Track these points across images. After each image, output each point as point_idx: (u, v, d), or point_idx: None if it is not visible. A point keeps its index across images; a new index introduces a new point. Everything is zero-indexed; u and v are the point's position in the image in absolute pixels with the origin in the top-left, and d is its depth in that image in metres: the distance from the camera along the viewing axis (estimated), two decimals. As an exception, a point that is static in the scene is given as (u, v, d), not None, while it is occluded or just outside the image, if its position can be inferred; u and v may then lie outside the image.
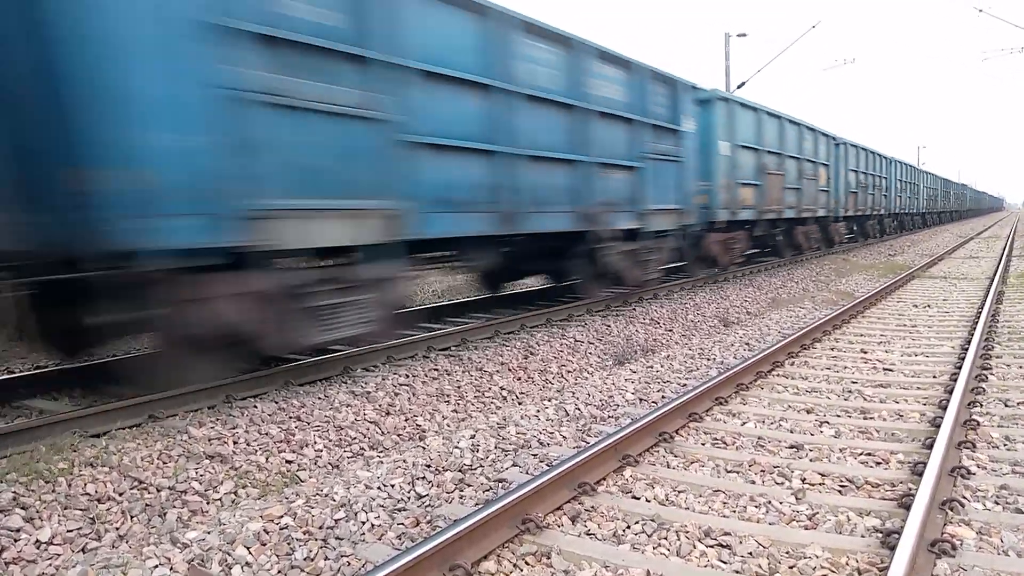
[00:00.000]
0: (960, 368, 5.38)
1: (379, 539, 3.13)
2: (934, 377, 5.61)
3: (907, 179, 32.82)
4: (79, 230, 4.09)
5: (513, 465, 3.94)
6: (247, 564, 2.92)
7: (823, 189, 18.43)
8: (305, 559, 2.97)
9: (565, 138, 7.97)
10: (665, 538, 3.01)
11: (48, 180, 4.15)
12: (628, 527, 3.12)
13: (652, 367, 6.48)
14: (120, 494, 3.65)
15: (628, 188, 9.20)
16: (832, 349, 6.87)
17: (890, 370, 5.93)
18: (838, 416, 4.68)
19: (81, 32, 3.93)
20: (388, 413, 5.16)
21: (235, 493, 3.85)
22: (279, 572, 2.90)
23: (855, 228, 24.52)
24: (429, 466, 3.97)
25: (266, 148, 4.69)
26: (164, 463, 4.01)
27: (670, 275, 12.71)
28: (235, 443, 4.38)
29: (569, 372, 6.78)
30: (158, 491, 3.73)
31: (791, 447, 4.08)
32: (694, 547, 2.92)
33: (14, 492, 3.47)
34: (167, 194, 4.19)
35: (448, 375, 6.11)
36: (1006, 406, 4.77)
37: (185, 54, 4.27)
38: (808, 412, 4.78)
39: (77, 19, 3.92)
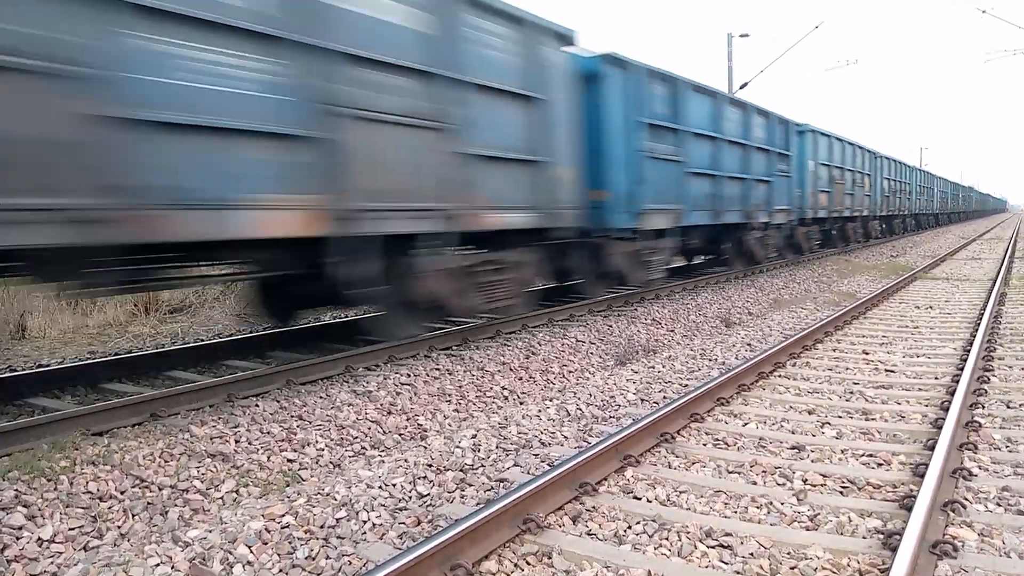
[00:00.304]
0: (962, 370, 5.37)
1: (380, 538, 3.13)
2: (936, 378, 5.61)
3: (924, 184, 37.96)
4: (594, 220, 8.73)
5: (514, 465, 3.94)
6: (248, 563, 2.93)
7: (867, 194, 23.09)
8: (306, 558, 2.97)
9: (740, 165, 12.80)
10: (666, 538, 3.01)
11: (584, 195, 8.38)
12: (629, 527, 3.12)
13: (654, 367, 6.48)
14: (122, 492, 3.66)
15: (765, 195, 13.93)
16: (834, 350, 6.87)
17: (892, 371, 5.92)
18: (840, 417, 4.68)
19: (601, 127, 8.88)
20: (390, 412, 5.16)
21: (237, 492, 3.86)
22: (280, 571, 2.90)
23: (885, 226, 28.16)
24: (430, 465, 3.98)
25: (648, 179, 9.55)
26: (166, 461, 4.01)
27: (673, 275, 12.73)
28: (237, 442, 4.38)
29: (571, 372, 6.78)
30: (160, 489, 3.73)
31: (793, 448, 4.08)
32: (695, 547, 2.92)
33: (16, 490, 3.48)
34: (619, 203, 9.07)
35: (450, 375, 6.11)
36: (1008, 408, 4.76)
37: (631, 136, 9.25)
38: (810, 413, 4.77)
39: (601, 121, 8.90)
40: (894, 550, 2.65)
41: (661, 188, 9.97)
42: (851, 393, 5.24)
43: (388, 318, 6.38)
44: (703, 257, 14.82)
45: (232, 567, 2.90)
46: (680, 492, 3.49)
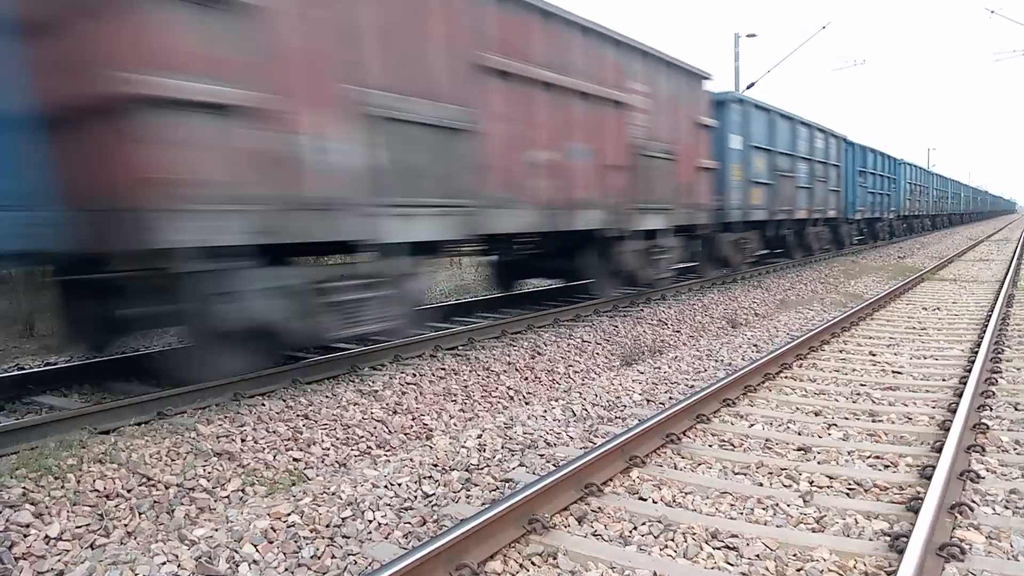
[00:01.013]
0: (970, 371, 5.34)
1: (386, 538, 3.13)
2: (943, 380, 5.59)
3: (941, 188, 41.83)
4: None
5: (520, 465, 3.94)
6: (254, 562, 2.94)
7: (893, 197, 26.55)
8: (312, 557, 2.98)
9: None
10: (672, 539, 3.00)
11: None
12: (635, 528, 3.12)
13: (659, 368, 6.47)
14: (128, 491, 3.67)
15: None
16: (841, 351, 6.85)
17: (899, 373, 5.90)
18: (846, 419, 4.66)
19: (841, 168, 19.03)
20: (395, 412, 5.17)
21: (243, 491, 3.87)
22: (286, 570, 2.91)
23: (910, 224, 32.06)
24: (436, 465, 3.98)
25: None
26: (172, 460, 4.03)
27: (682, 274, 12.72)
28: (243, 441, 4.39)
29: (576, 372, 6.78)
30: (166, 488, 3.74)
31: (799, 449, 4.07)
32: (701, 549, 2.92)
33: (24, 488, 3.50)
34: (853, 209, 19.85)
35: (455, 374, 6.11)
36: (1016, 410, 4.74)
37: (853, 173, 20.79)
38: (816, 414, 4.76)
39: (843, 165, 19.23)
40: (901, 552, 2.64)
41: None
42: (858, 395, 5.22)
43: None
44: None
45: (238, 566, 2.91)
46: (686, 493, 3.49)
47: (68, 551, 3.16)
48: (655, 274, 10.07)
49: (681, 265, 12.00)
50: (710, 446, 4.19)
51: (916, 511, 2.97)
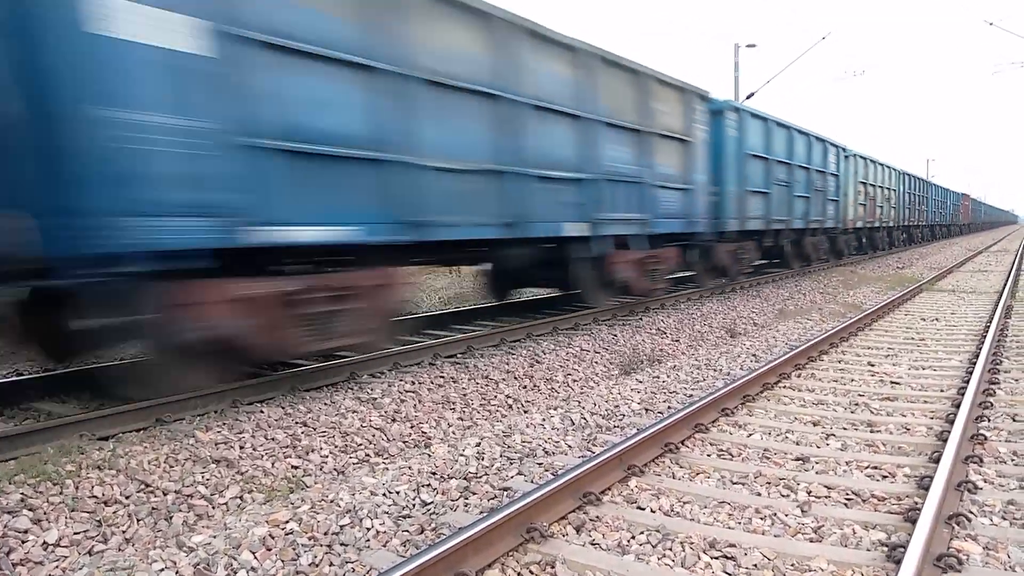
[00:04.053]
0: (968, 382, 5.35)
1: (384, 546, 3.13)
2: (941, 391, 5.59)
3: (943, 199, 43.75)
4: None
5: (518, 474, 3.94)
6: (252, 569, 2.93)
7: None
8: (310, 565, 2.98)
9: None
10: (670, 549, 3.00)
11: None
12: (633, 537, 3.12)
13: (658, 377, 6.47)
14: (127, 497, 3.67)
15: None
16: (839, 362, 6.85)
17: (897, 383, 5.91)
18: (844, 429, 4.67)
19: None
20: (394, 420, 5.17)
21: (241, 498, 3.87)
22: (284, 577, 2.90)
23: (919, 232, 35.22)
24: (434, 473, 3.98)
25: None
26: (171, 467, 4.03)
27: (677, 285, 12.78)
28: (241, 448, 4.40)
29: (575, 381, 6.78)
30: (164, 495, 3.75)
31: (797, 459, 4.07)
32: (699, 558, 2.92)
33: (22, 494, 3.50)
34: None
35: (454, 382, 6.12)
36: (1014, 421, 4.75)
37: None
38: (814, 424, 4.76)
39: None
40: (898, 563, 2.64)
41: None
42: (856, 405, 5.23)
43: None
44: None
45: (236, 573, 2.91)
46: (684, 502, 3.49)
47: (66, 557, 3.16)
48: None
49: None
50: (708, 455, 4.20)
51: (914, 521, 2.97)
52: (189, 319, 4.50)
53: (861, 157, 21.88)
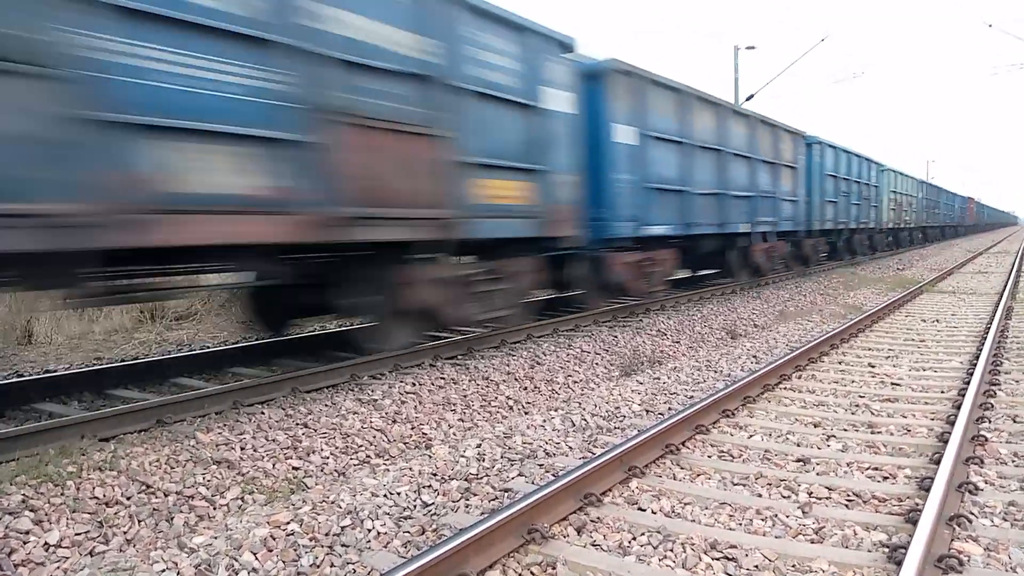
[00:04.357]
0: (968, 383, 5.35)
1: (385, 547, 3.13)
2: (942, 392, 5.59)
3: (952, 203, 49.37)
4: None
5: (519, 475, 3.94)
6: (253, 570, 2.94)
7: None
8: (311, 566, 2.98)
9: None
10: (671, 550, 3.00)
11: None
12: (634, 539, 3.12)
13: (659, 378, 6.48)
14: (128, 498, 3.67)
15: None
16: (840, 363, 6.86)
17: (898, 385, 5.91)
18: (845, 430, 4.67)
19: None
20: (395, 421, 5.17)
21: (242, 499, 3.87)
22: (285, 578, 2.91)
23: (933, 232, 37.82)
24: (435, 474, 3.98)
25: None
26: (172, 468, 4.03)
27: (677, 286, 12.79)
28: (242, 449, 4.40)
29: (575, 383, 6.79)
30: (165, 496, 3.75)
31: (798, 460, 4.07)
32: (699, 559, 2.92)
33: (23, 495, 3.50)
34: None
35: (455, 384, 6.12)
36: (1015, 422, 4.75)
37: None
38: (815, 426, 4.76)
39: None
40: (899, 564, 2.65)
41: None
42: (857, 406, 5.23)
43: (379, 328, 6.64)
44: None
45: (237, 574, 2.91)
46: (685, 504, 3.49)
47: (67, 558, 3.16)
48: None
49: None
50: (709, 457, 4.20)
51: (915, 523, 2.97)
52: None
53: (892, 170, 26.49)
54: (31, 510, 3.40)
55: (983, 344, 7.05)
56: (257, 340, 7.66)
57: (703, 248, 12.58)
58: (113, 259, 4.35)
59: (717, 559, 2.92)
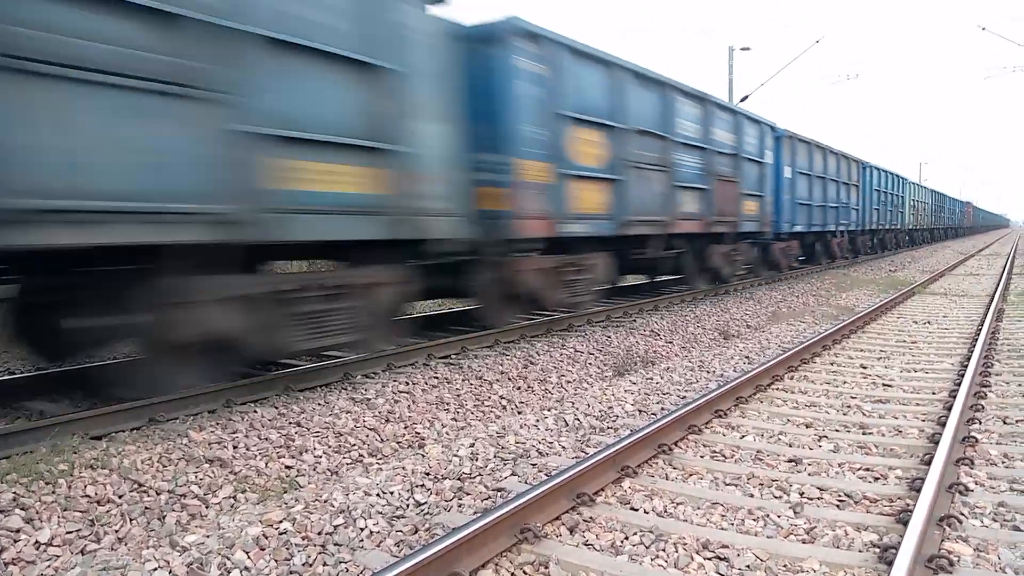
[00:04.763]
0: (959, 385, 5.38)
1: (377, 546, 3.13)
2: (933, 393, 5.62)
3: (954, 207, 56.52)
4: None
5: (512, 474, 3.95)
6: (246, 569, 2.93)
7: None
8: (304, 565, 2.98)
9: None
10: (663, 550, 3.01)
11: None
12: (626, 538, 3.13)
13: (652, 379, 6.49)
14: (120, 496, 3.66)
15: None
16: (832, 364, 6.88)
17: (889, 386, 5.94)
18: (837, 431, 4.69)
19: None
20: (388, 420, 5.17)
21: (234, 497, 3.86)
22: (277, 577, 2.90)
23: (935, 233, 42.91)
24: (428, 474, 3.98)
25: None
26: (164, 466, 4.02)
27: (675, 285, 12.82)
28: (235, 448, 4.39)
29: (569, 382, 6.79)
30: (157, 494, 3.74)
31: (790, 461, 4.09)
32: (692, 559, 2.93)
33: (14, 493, 3.49)
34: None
35: (448, 383, 6.12)
36: (1005, 423, 4.78)
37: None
38: (807, 426, 4.78)
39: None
40: (890, 564, 2.66)
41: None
42: (848, 407, 5.25)
43: None
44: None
45: (229, 572, 2.90)
46: (677, 504, 3.50)
47: (58, 557, 3.15)
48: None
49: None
50: (702, 457, 4.21)
51: (905, 523, 2.99)
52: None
53: (912, 183, 34.45)
54: (22, 508, 3.39)
55: (974, 346, 7.09)
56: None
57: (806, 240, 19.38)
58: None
59: (709, 559, 2.93)
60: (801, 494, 3.59)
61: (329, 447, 4.62)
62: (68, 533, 3.31)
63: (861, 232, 24.06)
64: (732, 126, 12.92)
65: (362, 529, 3.27)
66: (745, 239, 14.25)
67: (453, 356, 7.12)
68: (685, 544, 3.03)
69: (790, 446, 4.38)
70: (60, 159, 3.75)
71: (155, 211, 4.17)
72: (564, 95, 8.03)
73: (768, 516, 3.32)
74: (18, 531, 3.24)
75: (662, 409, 5.38)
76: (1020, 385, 5.81)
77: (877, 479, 3.81)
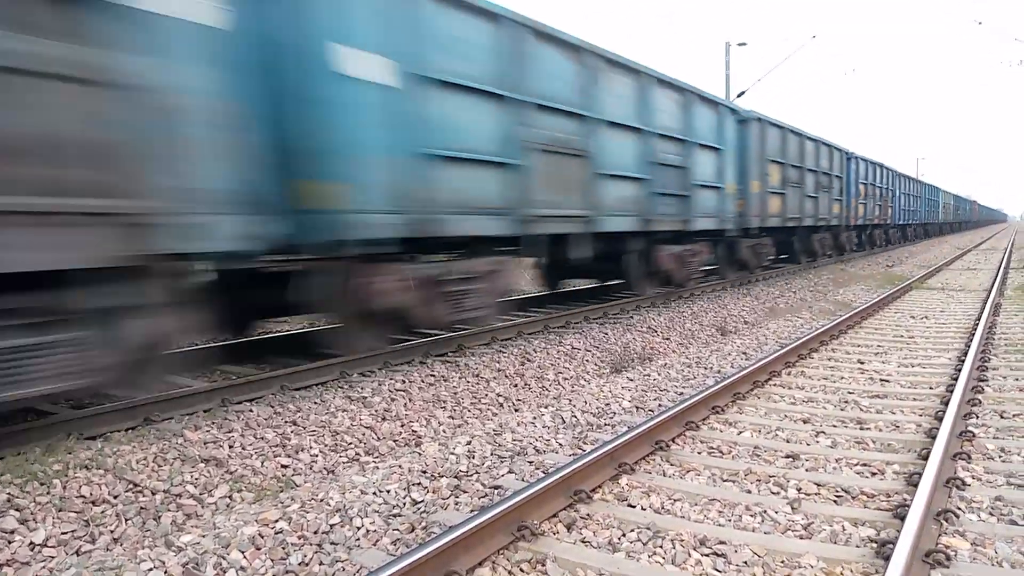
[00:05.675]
0: (956, 379, 5.38)
1: (374, 545, 3.12)
2: (930, 388, 5.62)
3: (952, 203, 57.69)
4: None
5: (509, 472, 3.94)
6: (242, 568, 2.92)
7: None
8: (300, 564, 2.96)
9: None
10: (660, 546, 3.00)
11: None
12: (623, 535, 3.12)
13: (649, 375, 6.48)
14: (115, 497, 3.65)
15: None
16: (829, 359, 6.88)
17: (887, 381, 5.94)
18: (834, 426, 4.69)
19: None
20: (384, 418, 5.16)
21: (230, 497, 3.85)
22: (273, 577, 2.89)
23: (949, 226, 49.34)
24: (425, 472, 3.97)
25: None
26: (159, 466, 4.00)
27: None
28: (230, 447, 4.37)
29: (566, 379, 6.78)
30: (153, 494, 3.72)
31: (787, 457, 4.09)
32: (689, 555, 2.92)
33: (9, 494, 3.47)
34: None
35: (445, 381, 6.11)
36: (1002, 418, 4.78)
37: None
38: (804, 422, 4.78)
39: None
40: (887, 559, 2.66)
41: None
42: (846, 402, 5.25)
43: None
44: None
45: (225, 572, 2.89)
46: (674, 500, 3.49)
47: (53, 557, 3.14)
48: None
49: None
50: (699, 453, 4.20)
51: (902, 518, 2.98)
52: None
53: (943, 189, 42.62)
54: (16, 509, 3.37)
55: (971, 340, 7.09)
56: (245, 337, 7.62)
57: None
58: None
59: (706, 555, 2.93)
60: (798, 490, 3.58)
61: (325, 446, 4.60)
62: (63, 534, 3.30)
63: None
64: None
65: (358, 528, 3.26)
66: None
67: (450, 354, 7.10)
68: (682, 540, 3.03)
69: (787, 442, 4.38)
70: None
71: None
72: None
73: (765, 512, 3.31)
74: (13, 532, 3.22)
75: (659, 406, 5.37)
76: (1017, 380, 5.82)
77: (874, 474, 3.80)
